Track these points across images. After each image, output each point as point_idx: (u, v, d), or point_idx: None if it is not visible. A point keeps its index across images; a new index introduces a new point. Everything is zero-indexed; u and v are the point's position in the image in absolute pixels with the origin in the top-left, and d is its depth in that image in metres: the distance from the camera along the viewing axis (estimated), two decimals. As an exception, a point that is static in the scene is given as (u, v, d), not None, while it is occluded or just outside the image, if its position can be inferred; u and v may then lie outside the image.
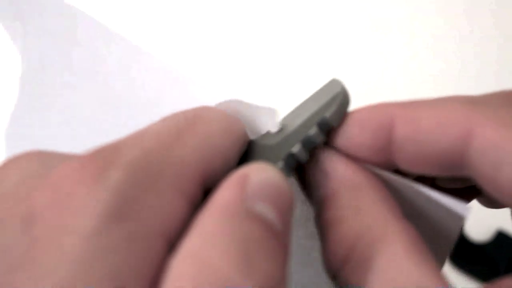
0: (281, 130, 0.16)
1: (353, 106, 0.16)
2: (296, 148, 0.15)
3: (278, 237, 0.12)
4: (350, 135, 0.15)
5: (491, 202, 0.17)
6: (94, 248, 0.10)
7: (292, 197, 0.13)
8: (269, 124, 0.16)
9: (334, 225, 0.14)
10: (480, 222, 0.52)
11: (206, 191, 0.13)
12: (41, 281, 0.10)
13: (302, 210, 0.18)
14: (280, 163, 0.15)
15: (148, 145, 0.12)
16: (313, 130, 0.15)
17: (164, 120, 0.13)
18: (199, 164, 0.12)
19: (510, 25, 0.59)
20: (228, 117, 0.14)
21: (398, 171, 0.15)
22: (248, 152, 0.15)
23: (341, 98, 0.15)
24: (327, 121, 0.15)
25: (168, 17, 0.60)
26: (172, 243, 0.11)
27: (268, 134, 0.16)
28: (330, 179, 0.15)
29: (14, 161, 0.12)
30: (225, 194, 0.12)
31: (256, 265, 0.11)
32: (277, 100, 0.50)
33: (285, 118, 0.17)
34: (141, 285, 0.11)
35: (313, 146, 0.15)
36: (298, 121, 0.15)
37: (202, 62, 0.58)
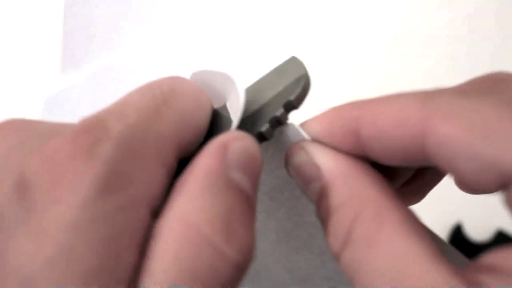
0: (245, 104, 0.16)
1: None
2: (264, 127, 0.16)
3: (252, 205, 0.13)
4: (323, 140, 0.16)
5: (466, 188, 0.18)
6: (89, 217, 0.11)
7: (262, 167, 0.14)
8: (233, 93, 0.17)
9: (333, 212, 0.15)
10: (480, 222, 0.52)
11: (179, 161, 0.14)
12: (42, 245, 0.11)
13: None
14: None
15: (131, 121, 0.13)
16: (279, 111, 0.16)
17: (142, 93, 0.14)
18: (175, 138, 0.14)
19: (508, 25, 0.60)
20: (200, 90, 0.15)
21: (374, 162, 0.16)
22: (214, 122, 0.16)
23: (305, 81, 0.16)
24: (293, 104, 0.16)
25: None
26: (155, 210, 0.13)
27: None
28: (322, 171, 0.15)
29: None
30: (207, 162, 0.13)
31: (236, 231, 0.12)
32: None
33: (247, 90, 0.17)
34: (131, 251, 0.12)
35: (277, 125, 0.17)
36: (263, 99, 0.17)
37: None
